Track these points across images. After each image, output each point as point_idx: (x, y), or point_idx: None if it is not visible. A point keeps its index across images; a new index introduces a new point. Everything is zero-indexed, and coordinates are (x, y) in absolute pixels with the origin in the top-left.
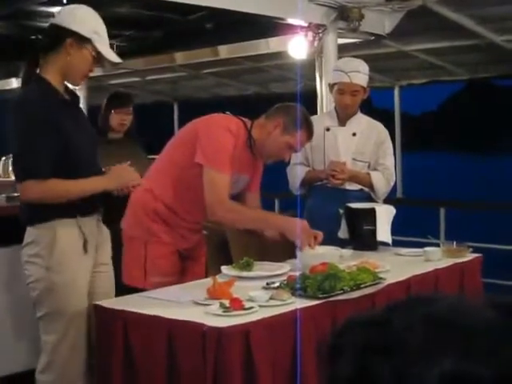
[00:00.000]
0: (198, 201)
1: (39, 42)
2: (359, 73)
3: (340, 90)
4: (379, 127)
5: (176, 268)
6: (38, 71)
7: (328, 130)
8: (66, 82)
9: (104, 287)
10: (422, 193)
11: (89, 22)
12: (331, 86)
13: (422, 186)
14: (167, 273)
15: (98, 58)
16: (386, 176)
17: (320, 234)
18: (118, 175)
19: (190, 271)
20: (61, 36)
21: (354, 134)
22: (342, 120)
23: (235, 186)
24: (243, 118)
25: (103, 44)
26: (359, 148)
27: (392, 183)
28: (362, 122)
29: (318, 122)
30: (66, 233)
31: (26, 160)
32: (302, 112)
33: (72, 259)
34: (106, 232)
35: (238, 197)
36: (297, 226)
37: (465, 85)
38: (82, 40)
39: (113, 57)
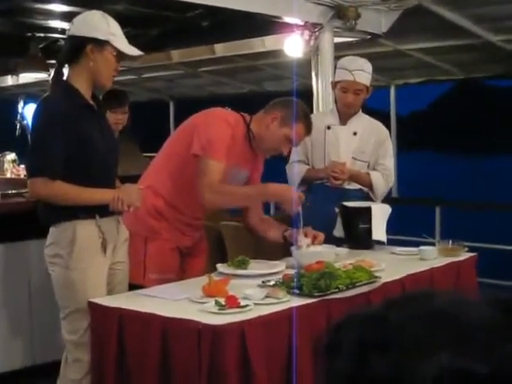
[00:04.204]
0: (196, 194)
1: (60, 55)
2: (363, 72)
3: (343, 88)
4: (380, 127)
5: (176, 265)
6: (65, 79)
7: (329, 128)
8: (94, 90)
9: (121, 284)
10: (415, 192)
11: (102, 25)
12: (334, 84)
13: (416, 186)
14: (167, 270)
15: (120, 56)
16: (385, 176)
17: (321, 235)
18: (127, 194)
19: (190, 269)
20: (80, 45)
21: (355, 133)
22: (344, 119)
23: (234, 181)
24: (243, 113)
25: (121, 42)
26: (359, 147)
27: (391, 184)
28: (363, 122)
29: (319, 119)
30: (85, 232)
31: (37, 158)
32: (301, 105)
33: (90, 258)
34: (124, 233)
35: None
36: (289, 193)
37: (457, 84)
38: (101, 43)
39: (133, 51)
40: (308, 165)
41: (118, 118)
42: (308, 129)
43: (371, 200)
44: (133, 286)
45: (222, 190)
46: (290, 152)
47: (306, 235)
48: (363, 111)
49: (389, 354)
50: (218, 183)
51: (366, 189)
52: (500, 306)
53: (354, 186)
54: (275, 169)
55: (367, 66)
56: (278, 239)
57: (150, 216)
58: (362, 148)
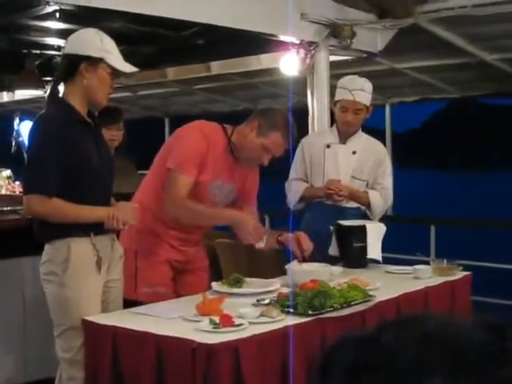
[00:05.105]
0: None
1: (56, 73)
2: (363, 91)
3: (343, 107)
4: (379, 146)
5: (167, 279)
6: (61, 96)
7: (328, 146)
8: (89, 108)
9: (115, 301)
10: (410, 210)
11: (96, 43)
12: (334, 103)
13: (411, 203)
14: (157, 284)
15: (115, 74)
16: (383, 195)
17: (309, 247)
18: (123, 212)
19: (184, 286)
20: (74, 63)
21: (354, 152)
22: (343, 137)
23: (219, 194)
24: (225, 125)
25: (116, 59)
26: (358, 166)
27: (389, 203)
28: (363, 141)
29: (319, 138)
30: (80, 250)
31: (34, 175)
32: (282, 115)
33: (85, 276)
34: (119, 250)
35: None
36: (247, 223)
37: (452, 102)
38: (95, 61)
39: (128, 68)
40: (307, 182)
41: (112, 135)
42: (287, 137)
43: (369, 219)
44: (125, 301)
45: (183, 205)
46: (271, 160)
47: (298, 240)
48: (361, 130)
49: (380, 378)
50: (181, 197)
51: (363, 207)
52: (493, 331)
53: (352, 204)
54: (267, 187)
55: (367, 86)
56: (273, 245)
57: (140, 231)
58: (361, 167)
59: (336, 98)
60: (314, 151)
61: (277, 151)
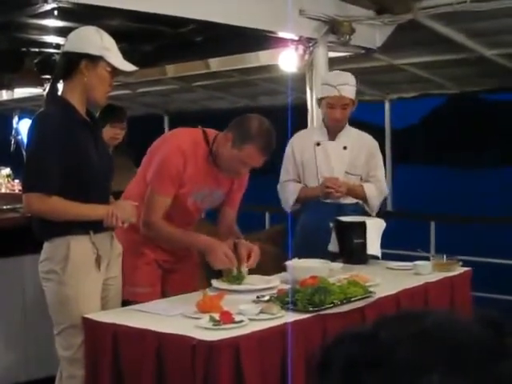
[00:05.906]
0: (166, 213)
1: (55, 71)
2: (348, 85)
3: (330, 104)
4: (369, 139)
5: (152, 279)
6: (60, 94)
7: (318, 144)
8: (87, 106)
9: (114, 299)
10: (410, 206)
11: (96, 41)
12: (319, 101)
13: (411, 199)
14: (143, 283)
15: (115, 72)
16: (378, 187)
17: (255, 247)
18: (122, 210)
19: (177, 283)
20: (74, 61)
21: (345, 148)
22: (332, 134)
23: (207, 201)
24: (209, 131)
25: (115, 57)
26: (351, 161)
27: (384, 194)
28: (352, 135)
29: (308, 137)
30: (80, 248)
31: (33, 173)
32: (258, 124)
33: (85, 274)
34: (118, 248)
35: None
36: (216, 251)
37: (451, 98)
38: (95, 59)
39: (127, 67)
40: (300, 183)
41: (116, 133)
42: (262, 150)
43: (368, 214)
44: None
45: (156, 228)
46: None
47: (235, 246)
48: (354, 125)
49: (379, 374)
50: (155, 221)
51: (361, 202)
52: (492, 327)
53: (351, 200)
54: (266, 184)
55: (351, 80)
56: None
57: (127, 229)
58: (354, 162)
59: (321, 95)
60: (304, 151)
61: (253, 163)
